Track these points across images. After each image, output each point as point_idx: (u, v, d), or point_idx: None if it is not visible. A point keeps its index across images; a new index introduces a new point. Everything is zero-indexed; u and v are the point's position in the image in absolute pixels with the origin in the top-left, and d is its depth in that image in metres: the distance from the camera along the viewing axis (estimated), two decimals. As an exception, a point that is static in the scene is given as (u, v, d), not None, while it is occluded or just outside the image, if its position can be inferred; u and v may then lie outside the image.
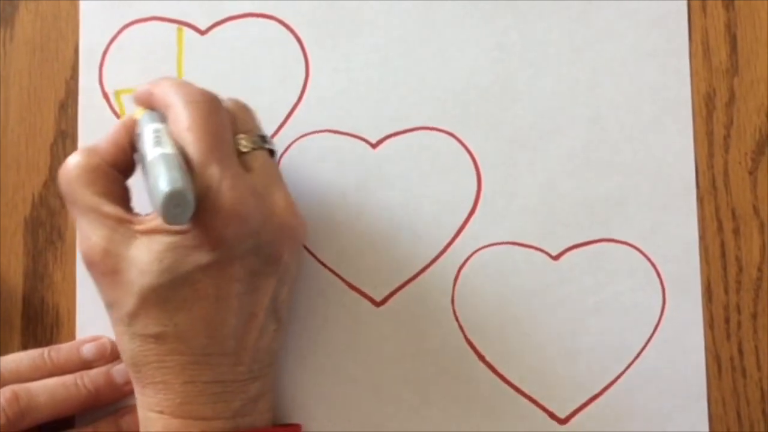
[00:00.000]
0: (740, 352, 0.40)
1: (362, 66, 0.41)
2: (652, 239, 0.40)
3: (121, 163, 0.36)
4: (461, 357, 0.40)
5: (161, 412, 0.34)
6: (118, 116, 0.41)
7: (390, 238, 0.41)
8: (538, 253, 0.41)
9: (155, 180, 0.31)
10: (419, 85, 0.41)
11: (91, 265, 0.34)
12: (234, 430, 0.34)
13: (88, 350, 0.39)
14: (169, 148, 0.32)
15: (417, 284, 0.40)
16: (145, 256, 0.33)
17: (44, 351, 0.39)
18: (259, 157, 0.35)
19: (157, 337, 0.34)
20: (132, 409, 0.39)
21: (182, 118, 0.33)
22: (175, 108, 0.34)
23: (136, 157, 0.36)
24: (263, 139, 0.36)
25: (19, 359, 0.38)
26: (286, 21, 0.42)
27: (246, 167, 0.35)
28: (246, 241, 0.33)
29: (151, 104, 0.36)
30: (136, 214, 0.35)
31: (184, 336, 0.33)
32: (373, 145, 0.41)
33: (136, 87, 0.41)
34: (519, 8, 0.42)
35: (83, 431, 0.38)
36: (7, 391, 0.36)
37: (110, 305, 0.35)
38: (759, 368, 0.40)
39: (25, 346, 0.40)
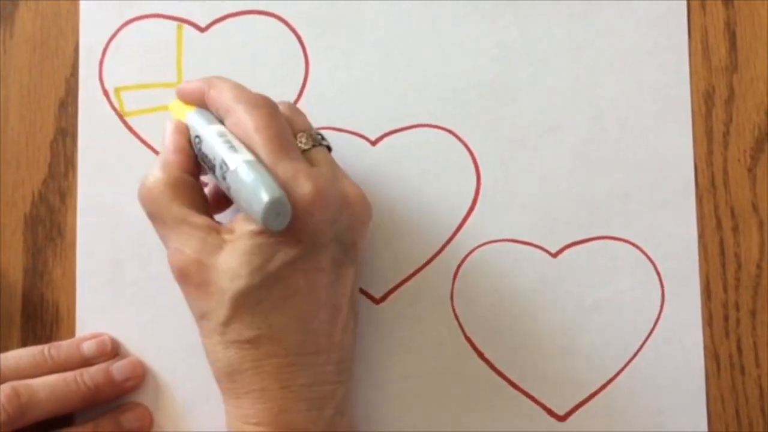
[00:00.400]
0: (739, 349, 0.40)
1: (362, 63, 0.42)
2: (651, 237, 0.40)
3: (191, 169, 0.36)
4: (460, 354, 0.40)
5: (258, 424, 0.34)
6: (118, 114, 0.41)
7: (389, 235, 0.41)
8: (538, 250, 0.41)
9: (251, 189, 0.32)
10: (419, 83, 0.41)
11: (184, 278, 0.34)
12: None
13: (88, 347, 0.39)
14: (246, 154, 0.33)
15: (416, 282, 0.40)
16: (234, 261, 0.33)
17: (44, 348, 0.39)
18: (320, 153, 0.36)
19: (253, 341, 0.34)
20: (132, 406, 0.39)
21: (247, 121, 0.34)
22: (237, 112, 0.34)
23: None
24: (321, 136, 0.37)
25: (19, 356, 0.38)
26: (286, 18, 0.42)
27: (311, 163, 0.35)
28: (327, 229, 0.34)
29: (201, 102, 0.36)
30: (219, 222, 0.35)
31: (279, 336, 0.34)
32: (373, 143, 0.41)
33: (136, 84, 0.42)
34: (519, 7, 0.42)
35: (83, 429, 0.38)
36: (8, 387, 0.36)
37: (202, 317, 0.35)
38: (758, 365, 0.40)
39: (24, 343, 0.40)
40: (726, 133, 0.41)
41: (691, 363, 0.40)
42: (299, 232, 0.33)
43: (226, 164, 0.33)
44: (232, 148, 0.34)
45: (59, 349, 0.39)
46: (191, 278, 0.34)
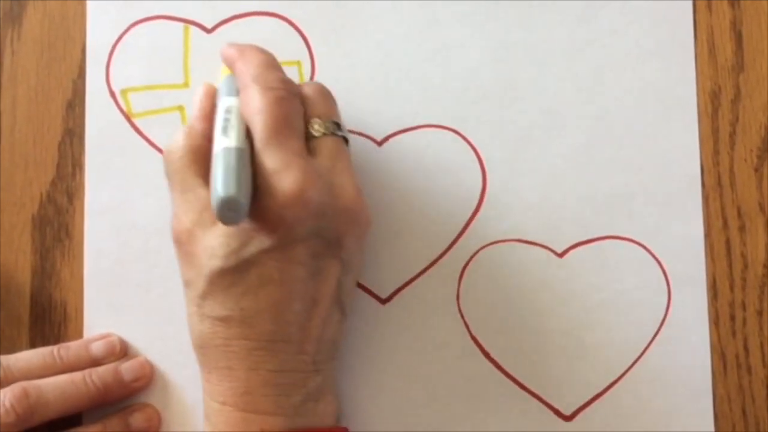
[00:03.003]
0: (746, 349, 0.40)
1: (367, 64, 0.42)
2: (658, 236, 0.40)
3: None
4: (466, 354, 0.40)
5: (224, 403, 0.34)
6: (125, 115, 0.42)
7: (395, 235, 0.41)
8: (543, 250, 0.41)
9: (214, 178, 0.32)
10: (424, 83, 0.41)
11: (177, 243, 0.36)
12: (292, 430, 0.34)
13: (97, 348, 0.39)
14: (233, 139, 0.33)
15: (422, 282, 0.41)
16: (215, 240, 0.34)
17: (54, 349, 0.39)
18: (329, 142, 0.36)
19: (224, 320, 0.34)
20: (141, 406, 0.39)
21: (254, 102, 0.34)
22: (249, 90, 0.35)
23: None
24: (337, 125, 0.37)
25: (28, 357, 0.38)
26: (292, 19, 0.42)
27: (314, 152, 0.35)
28: (306, 223, 0.34)
29: (233, 69, 0.37)
30: None
31: (250, 321, 0.34)
32: (379, 143, 0.41)
33: (143, 86, 0.42)
34: (524, 7, 0.42)
35: (92, 429, 0.39)
36: (17, 387, 0.36)
37: (186, 284, 0.36)
38: (764, 365, 0.40)
39: (33, 344, 0.41)
40: (732, 133, 0.41)
41: (698, 362, 0.40)
42: (275, 224, 0.33)
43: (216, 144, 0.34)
44: (226, 129, 0.34)
45: (68, 349, 0.39)
46: (182, 245, 0.35)
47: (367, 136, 0.41)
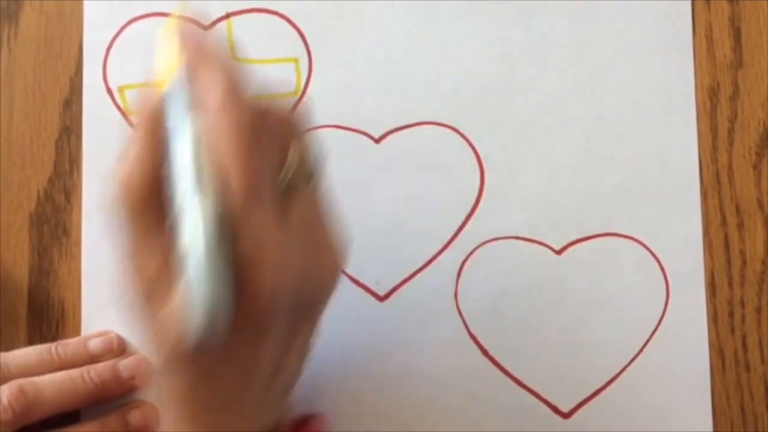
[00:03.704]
0: (744, 346, 0.40)
1: (365, 61, 0.42)
2: (656, 233, 0.40)
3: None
4: (464, 351, 0.40)
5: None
6: (122, 112, 0.41)
7: (393, 233, 0.41)
8: (542, 247, 0.41)
9: (191, 276, 0.26)
10: (423, 80, 0.41)
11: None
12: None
13: (95, 345, 0.39)
14: (209, 200, 0.27)
15: (420, 279, 0.40)
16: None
17: (52, 346, 0.39)
18: (305, 198, 0.30)
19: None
20: (139, 404, 0.39)
21: (226, 141, 0.27)
22: (218, 122, 0.28)
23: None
24: (314, 165, 0.31)
25: (26, 354, 0.38)
26: (289, 16, 0.42)
27: (287, 204, 0.29)
28: (276, 313, 0.29)
29: (194, 75, 0.29)
30: None
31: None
32: (377, 140, 0.41)
33: (140, 83, 0.42)
34: (523, 4, 0.42)
35: (90, 426, 0.39)
36: (14, 385, 0.36)
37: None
38: (763, 362, 0.40)
39: (30, 341, 0.41)
40: (731, 130, 0.41)
41: (696, 360, 0.40)
42: (244, 322, 0.28)
43: (183, 211, 0.27)
44: (196, 188, 0.27)
45: (66, 347, 0.39)
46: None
47: (365, 133, 0.41)
